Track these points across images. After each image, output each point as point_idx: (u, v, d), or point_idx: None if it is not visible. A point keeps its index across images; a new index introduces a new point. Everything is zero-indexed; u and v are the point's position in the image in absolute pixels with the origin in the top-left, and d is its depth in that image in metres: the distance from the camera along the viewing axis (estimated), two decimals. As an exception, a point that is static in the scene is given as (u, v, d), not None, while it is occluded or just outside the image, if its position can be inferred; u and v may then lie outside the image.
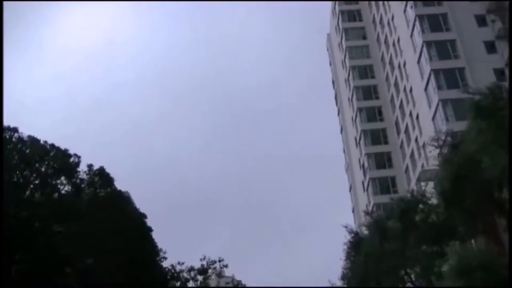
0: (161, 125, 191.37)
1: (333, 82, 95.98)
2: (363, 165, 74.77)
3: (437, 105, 52.28)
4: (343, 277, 36.33)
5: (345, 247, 36.43)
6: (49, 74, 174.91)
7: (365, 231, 36.03)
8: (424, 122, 57.31)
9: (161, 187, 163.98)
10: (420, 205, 31.54)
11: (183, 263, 55.89)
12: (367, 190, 72.75)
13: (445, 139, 27.63)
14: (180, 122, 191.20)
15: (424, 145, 57.28)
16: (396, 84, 69.60)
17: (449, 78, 53.04)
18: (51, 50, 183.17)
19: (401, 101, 67.22)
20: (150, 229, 28.43)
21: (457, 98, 51.37)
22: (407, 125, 65.65)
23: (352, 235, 36.52)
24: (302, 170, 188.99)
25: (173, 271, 54.93)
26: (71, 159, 27.40)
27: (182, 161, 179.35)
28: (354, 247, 35.11)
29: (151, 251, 25.47)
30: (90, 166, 28.10)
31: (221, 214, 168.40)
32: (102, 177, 27.19)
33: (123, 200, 26.42)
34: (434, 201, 31.32)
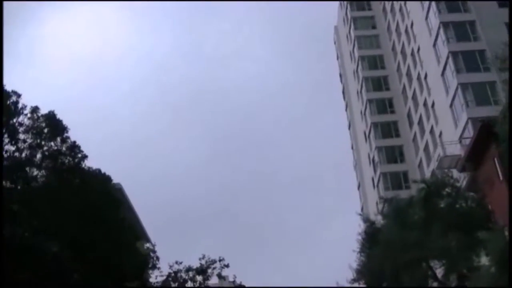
0: (159, 135, 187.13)
1: (340, 76, 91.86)
2: (373, 160, 70.56)
3: (456, 90, 48.14)
4: (356, 273, 31.96)
5: (359, 237, 32.16)
6: (46, 79, 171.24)
7: (382, 221, 31.76)
8: (441, 110, 53.16)
9: (159, 196, 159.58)
10: (447, 189, 27.31)
11: (181, 263, 51.78)
12: (377, 186, 68.48)
13: None
14: (180, 132, 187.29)
15: (441, 134, 53.21)
16: (408, 74, 65.48)
17: (469, 61, 48.99)
18: (46, 55, 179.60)
19: (414, 91, 63.09)
20: (120, 201, 23.00)
21: (478, 81, 47.72)
22: (420, 116, 61.49)
23: (368, 224, 32.22)
24: (304, 175, 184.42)
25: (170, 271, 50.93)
26: (10, 100, 19.86)
27: (182, 170, 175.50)
28: (370, 238, 30.83)
29: (121, 228, 20.55)
30: (35, 109, 20.68)
31: (220, 222, 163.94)
32: (51, 124, 21.74)
33: (80, 156, 21.17)
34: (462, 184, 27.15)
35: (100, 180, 19.90)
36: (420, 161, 62.05)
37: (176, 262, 52.85)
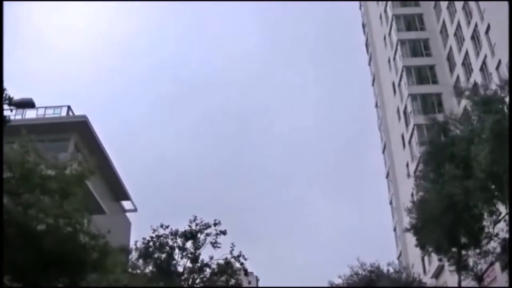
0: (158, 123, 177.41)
1: (363, 25, 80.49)
2: (404, 112, 59.37)
3: (526, -1, 36.82)
4: (411, 213, 21.03)
5: (420, 155, 21.28)
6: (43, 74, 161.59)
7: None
8: (500, 33, 41.91)
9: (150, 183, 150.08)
10: None
11: (167, 227, 40.30)
12: (409, 143, 57.28)
13: None
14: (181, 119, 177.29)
15: (499, 65, 41.99)
16: (449, 7, 54.21)
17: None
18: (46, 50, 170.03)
19: (458, 24, 51.77)
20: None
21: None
22: (466, 53, 50.19)
23: (436, 128, 21.13)
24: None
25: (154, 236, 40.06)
26: None
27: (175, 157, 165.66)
28: (441, 151, 19.78)
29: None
30: None
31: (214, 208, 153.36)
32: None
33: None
34: None
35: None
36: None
37: (162, 226, 40.92)
